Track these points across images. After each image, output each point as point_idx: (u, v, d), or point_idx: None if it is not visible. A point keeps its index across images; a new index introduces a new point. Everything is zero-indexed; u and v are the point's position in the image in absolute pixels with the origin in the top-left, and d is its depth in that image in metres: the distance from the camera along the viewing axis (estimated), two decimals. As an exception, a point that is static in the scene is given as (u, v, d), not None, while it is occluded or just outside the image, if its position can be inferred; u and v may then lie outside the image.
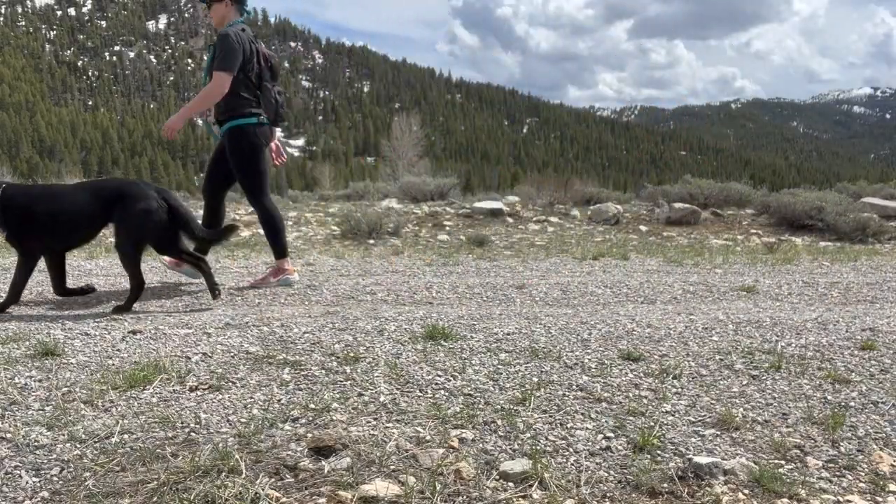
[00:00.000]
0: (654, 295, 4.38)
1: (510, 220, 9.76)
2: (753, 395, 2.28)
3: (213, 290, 3.76)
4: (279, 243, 4.51)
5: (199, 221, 4.15)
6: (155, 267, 5.71)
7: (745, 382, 2.40)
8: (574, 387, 2.31)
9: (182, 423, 1.94)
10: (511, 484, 1.64)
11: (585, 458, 1.79)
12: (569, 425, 1.99)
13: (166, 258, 4.54)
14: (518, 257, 6.73)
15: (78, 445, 1.79)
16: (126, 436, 1.85)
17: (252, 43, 4.22)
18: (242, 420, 1.97)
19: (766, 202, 10.52)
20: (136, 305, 3.84)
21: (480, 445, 1.84)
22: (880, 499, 1.63)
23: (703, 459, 1.72)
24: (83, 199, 3.58)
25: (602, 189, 14.54)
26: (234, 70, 4.09)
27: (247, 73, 4.18)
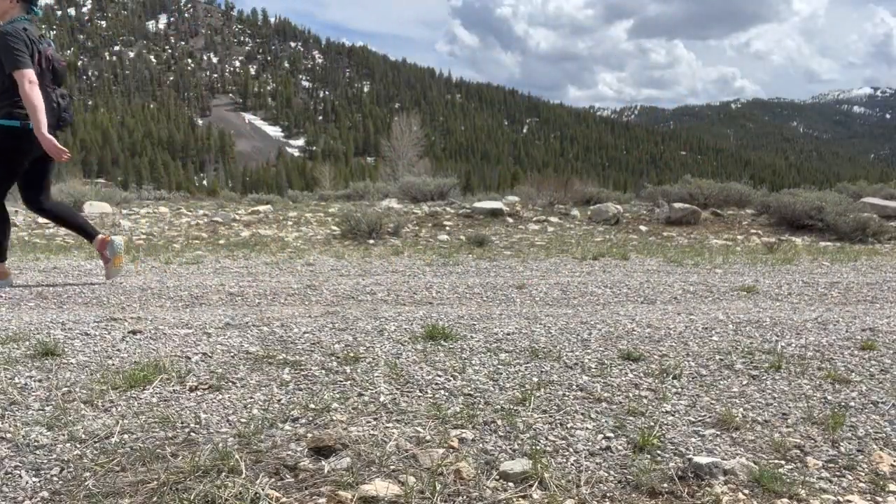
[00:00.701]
0: (654, 295, 4.38)
1: (510, 220, 9.77)
2: (753, 395, 2.28)
3: None
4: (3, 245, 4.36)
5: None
6: (155, 267, 5.72)
7: (745, 382, 2.40)
8: (574, 387, 2.31)
9: (182, 423, 1.94)
10: (511, 484, 1.64)
11: (585, 458, 1.79)
12: (569, 425, 1.99)
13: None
14: (518, 257, 6.73)
15: (78, 445, 1.79)
16: (126, 436, 1.85)
17: (34, 43, 4.09)
18: (242, 420, 1.97)
19: (766, 202, 10.53)
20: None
21: (480, 445, 1.84)
22: (880, 499, 1.63)
23: (703, 459, 1.72)
24: None
25: (602, 189, 14.56)
26: (30, 64, 3.95)
27: None
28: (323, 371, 2.42)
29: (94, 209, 10.24)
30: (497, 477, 1.67)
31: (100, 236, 4.52)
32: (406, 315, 3.41)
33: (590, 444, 1.87)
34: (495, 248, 7.62)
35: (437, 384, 2.32)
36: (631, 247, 7.78)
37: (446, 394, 2.23)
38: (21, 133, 4.06)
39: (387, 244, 7.74)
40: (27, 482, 1.61)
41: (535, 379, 2.39)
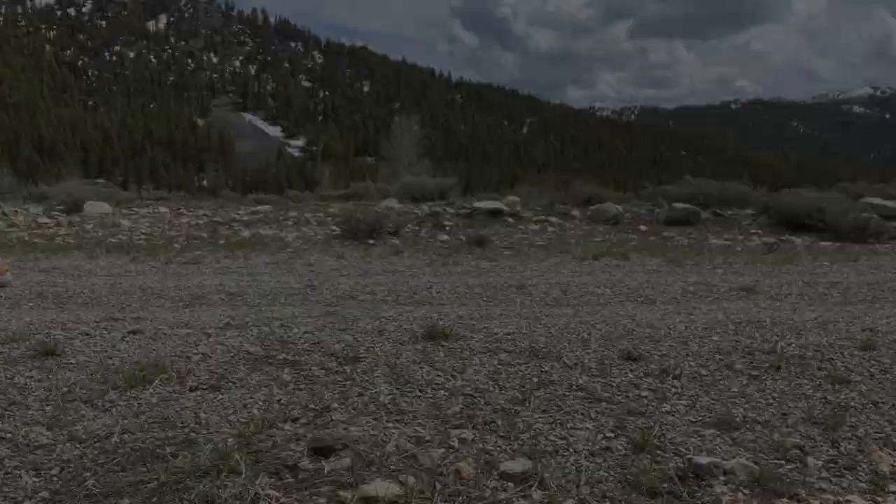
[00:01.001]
0: (654, 295, 4.38)
1: (510, 220, 9.76)
2: (753, 395, 2.28)
3: None
4: None
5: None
6: (155, 267, 5.72)
7: (745, 382, 2.40)
8: (574, 387, 2.31)
9: (182, 423, 1.94)
10: (511, 484, 1.64)
11: (585, 458, 1.79)
12: (569, 425, 1.99)
13: None
14: (518, 257, 6.73)
15: (78, 445, 1.79)
16: (126, 436, 1.85)
17: None
18: (242, 420, 1.97)
19: (766, 202, 10.51)
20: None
21: (480, 445, 1.84)
22: (880, 499, 1.63)
23: (703, 459, 1.72)
24: None
25: (602, 189, 14.52)
26: None
27: None
28: (323, 371, 2.42)
29: (94, 209, 10.23)
30: (497, 477, 1.67)
31: None
32: (406, 315, 3.41)
33: (590, 444, 1.87)
34: (495, 248, 7.62)
35: (437, 384, 2.32)
36: (631, 247, 7.78)
37: (446, 394, 2.23)
38: None
39: (387, 244, 7.74)
40: (27, 482, 1.61)
41: (535, 379, 2.38)
